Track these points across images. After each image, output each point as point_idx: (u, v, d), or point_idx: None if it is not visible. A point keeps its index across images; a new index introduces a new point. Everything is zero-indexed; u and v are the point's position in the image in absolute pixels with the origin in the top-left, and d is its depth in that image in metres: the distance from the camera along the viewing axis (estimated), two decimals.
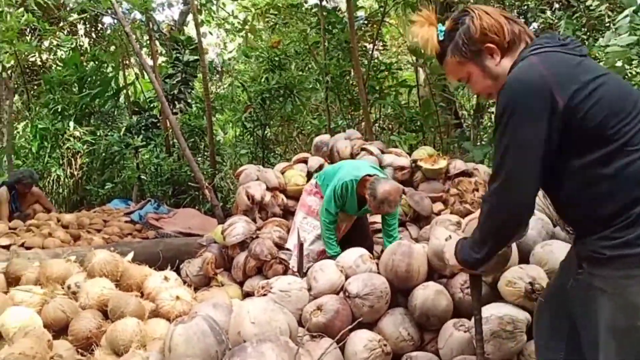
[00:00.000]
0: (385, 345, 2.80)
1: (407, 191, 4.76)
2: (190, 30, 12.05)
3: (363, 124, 7.83)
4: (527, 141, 1.62)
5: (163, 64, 11.13)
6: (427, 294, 2.90)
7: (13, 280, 3.24)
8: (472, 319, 2.29)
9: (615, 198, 1.57)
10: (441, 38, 1.88)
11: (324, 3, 7.89)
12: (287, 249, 4.20)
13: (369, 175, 3.81)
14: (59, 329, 2.74)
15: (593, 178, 1.60)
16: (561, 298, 1.86)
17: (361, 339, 2.79)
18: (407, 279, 3.01)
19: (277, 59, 8.80)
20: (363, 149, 5.31)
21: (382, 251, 3.54)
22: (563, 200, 1.74)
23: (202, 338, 2.18)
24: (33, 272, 3.22)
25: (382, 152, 5.36)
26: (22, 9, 8.96)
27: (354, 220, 4.25)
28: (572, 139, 1.61)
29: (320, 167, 5.22)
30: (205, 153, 9.95)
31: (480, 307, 2.21)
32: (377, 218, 4.59)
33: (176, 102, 10.34)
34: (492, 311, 2.61)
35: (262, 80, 8.81)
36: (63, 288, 3.03)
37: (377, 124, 8.78)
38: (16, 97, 11.22)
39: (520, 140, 1.63)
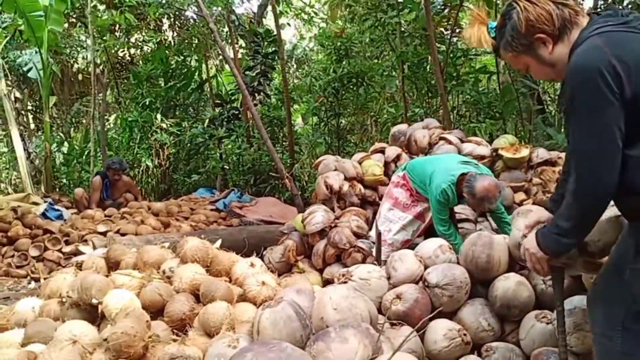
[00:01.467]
0: (465, 334, 2.81)
1: None
2: (268, 22, 12.27)
3: (440, 111, 7.71)
4: (602, 125, 1.60)
5: (243, 57, 11.40)
6: (508, 284, 2.88)
7: (113, 265, 3.49)
8: (555, 311, 2.27)
9: None
10: (492, 35, 1.91)
11: None
12: (366, 238, 4.27)
13: (464, 174, 3.78)
14: (156, 311, 2.92)
15: None
16: (616, 284, 1.81)
17: (441, 328, 2.81)
18: (488, 269, 3.00)
19: (343, 47, 8.78)
20: (442, 138, 5.24)
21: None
22: (622, 187, 1.68)
23: (288, 322, 2.30)
24: (131, 257, 3.45)
25: (462, 141, 5.26)
26: (108, 10, 9.52)
27: None
28: (633, 126, 1.60)
29: (398, 157, 5.22)
30: (284, 143, 10.13)
31: (563, 299, 2.19)
32: (458, 209, 4.54)
33: (256, 94, 10.56)
34: (576, 303, 2.56)
35: (331, 70, 8.83)
36: (158, 272, 3.24)
37: (455, 112, 8.61)
38: (107, 91, 11.86)
39: (594, 125, 1.61)
